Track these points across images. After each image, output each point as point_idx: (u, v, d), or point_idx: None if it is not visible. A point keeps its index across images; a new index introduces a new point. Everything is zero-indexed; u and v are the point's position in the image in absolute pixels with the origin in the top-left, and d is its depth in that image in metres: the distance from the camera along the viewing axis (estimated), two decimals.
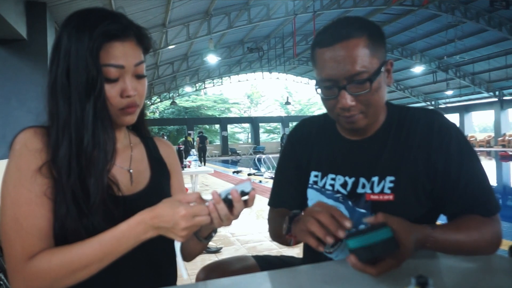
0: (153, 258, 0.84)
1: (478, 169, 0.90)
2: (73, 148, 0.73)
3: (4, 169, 0.73)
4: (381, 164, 0.93)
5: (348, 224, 0.73)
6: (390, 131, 0.96)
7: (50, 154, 0.74)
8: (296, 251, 3.15)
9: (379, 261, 0.69)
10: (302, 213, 0.86)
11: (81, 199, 0.72)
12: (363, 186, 0.94)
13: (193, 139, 20.27)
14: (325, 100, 0.91)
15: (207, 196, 0.75)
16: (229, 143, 27.08)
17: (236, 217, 0.75)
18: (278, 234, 1.01)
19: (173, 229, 0.69)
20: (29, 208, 0.71)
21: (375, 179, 0.93)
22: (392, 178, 0.91)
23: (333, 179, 0.99)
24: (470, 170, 0.89)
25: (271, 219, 1.09)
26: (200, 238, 0.87)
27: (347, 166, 0.98)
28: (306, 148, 1.07)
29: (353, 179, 0.96)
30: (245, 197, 0.74)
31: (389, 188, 0.91)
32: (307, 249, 1.08)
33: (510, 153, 15.24)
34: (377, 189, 0.92)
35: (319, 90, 0.91)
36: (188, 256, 0.95)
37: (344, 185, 0.97)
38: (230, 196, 0.72)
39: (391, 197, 0.90)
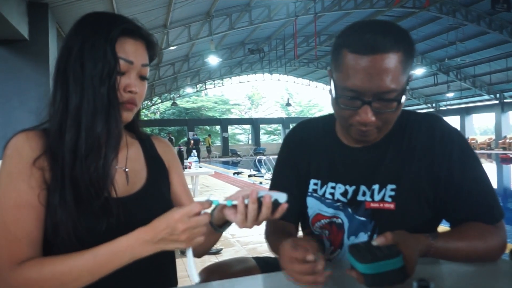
0: (153, 259, 0.83)
1: (481, 176, 0.88)
2: (82, 133, 0.73)
3: None
4: (382, 172, 0.91)
5: (320, 266, 0.68)
6: (391, 138, 0.93)
7: (45, 153, 0.74)
8: None
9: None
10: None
11: (84, 185, 0.72)
12: (364, 194, 0.92)
13: (203, 141, 20.79)
14: (341, 108, 0.84)
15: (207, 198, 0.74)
16: (229, 144, 27.07)
17: (260, 223, 0.71)
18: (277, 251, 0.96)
19: (172, 235, 0.67)
20: (18, 212, 0.70)
21: (376, 187, 0.91)
22: (393, 186, 0.89)
23: (333, 187, 0.97)
24: (473, 177, 0.87)
25: (271, 234, 1.01)
26: (215, 227, 0.83)
27: (348, 175, 0.96)
28: (304, 155, 1.03)
29: (353, 187, 0.94)
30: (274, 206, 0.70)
31: (390, 196, 0.89)
32: None
33: (511, 155, 15.21)
34: (377, 197, 0.90)
35: (339, 100, 0.83)
36: (201, 250, 0.91)
37: (344, 193, 0.95)
38: (261, 199, 0.69)
39: (392, 205, 0.89)
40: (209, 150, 21.64)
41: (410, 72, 0.83)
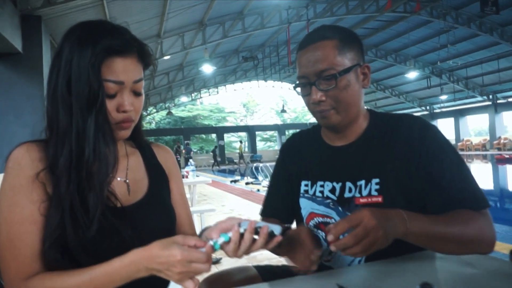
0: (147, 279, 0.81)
1: (460, 166, 0.91)
2: (73, 159, 0.72)
3: None
4: (366, 167, 0.96)
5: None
6: (373, 136, 1.00)
7: (46, 165, 0.73)
8: None
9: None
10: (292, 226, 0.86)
11: (79, 211, 0.71)
12: (350, 190, 0.97)
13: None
14: (303, 97, 1.00)
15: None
16: (225, 152, 27.03)
17: (251, 252, 0.72)
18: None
19: (167, 271, 0.65)
20: (22, 227, 0.70)
21: (362, 182, 0.95)
22: (377, 180, 0.94)
23: (322, 185, 1.02)
24: (452, 167, 0.91)
25: None
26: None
27: (333, 172, 1.01)
28: (295, 160, 1.11)
29: (340, 184, 0.99)
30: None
31: (376, 190, 0.93)
32: None
33: (506, 156, 15.31)
34: (364, 192, 0.94)
35: (298, 89, 1.01)
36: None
37: (332, 190, 1.00)
38: (259, 229, 0.71)
39: (379, 198, 0.92)
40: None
41: (359, 58, 0.96)
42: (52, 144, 0.74)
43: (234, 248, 0.70)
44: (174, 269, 0.64)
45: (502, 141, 19.93)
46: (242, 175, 11.65)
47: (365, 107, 1.04)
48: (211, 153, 23.31)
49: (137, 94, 0.79)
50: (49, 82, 0.75)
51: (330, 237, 0.72)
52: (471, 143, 22.04)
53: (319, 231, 1.02)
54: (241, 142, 25.69)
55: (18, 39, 5.67)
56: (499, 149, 19.45)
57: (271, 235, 0.71)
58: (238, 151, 24.85)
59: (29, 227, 0.71)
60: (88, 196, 0.72)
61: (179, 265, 0.64)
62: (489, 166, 13.77)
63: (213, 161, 22.11)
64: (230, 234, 0.70)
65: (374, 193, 0.93)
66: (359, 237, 0.69)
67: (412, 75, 18.83)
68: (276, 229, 0.71)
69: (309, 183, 1.05)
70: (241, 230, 0.70)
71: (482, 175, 10.93)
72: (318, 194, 1.02)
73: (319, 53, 0.93)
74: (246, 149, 29.17)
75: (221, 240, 0.70)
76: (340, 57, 0.92)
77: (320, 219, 1.01)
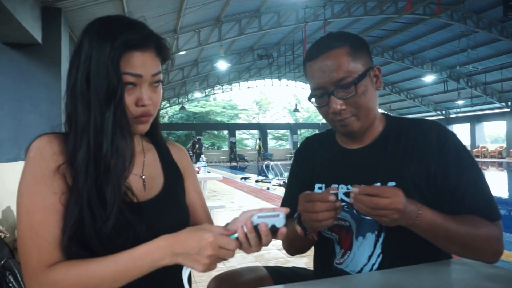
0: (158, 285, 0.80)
1: (477, 176, 0.91)
2: (91, 153, 0.72)
3: (20, 177, 0.73)
4: (382, 170, 0.96)
5: (338, 203, 0.84)
6: (388, 139, 0.99)
7: (66, 159, 0.73)
8: (305, 261, 3.12)
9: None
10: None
11: (96, 205, 0.71)
12: None
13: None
14: (319, 108, 0.99)
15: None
16: (237, 149, 27.10)
17: (266, 245, 0.72)
18: (291, 241, 1.04)
19: (197, 255, 0.66)
20: (44, 216, 0.71)
21: (377, 185, 0.93)
22: (393, 183, 0.93)
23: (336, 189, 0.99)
24: (469, 176, 0.91)
25: (284, 241, 1.08)
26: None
27: (348, 175, 1.00)
28: (309, 163, 1.11)
29: None
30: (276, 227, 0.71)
31: None
32: (317, 261, 1.07)
33: None
34: None
35: (313, 100, 0.99)
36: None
37: (347, 194, 0.96)
38: (258, 227, 0.70)
39: None
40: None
41: (370, 61, 0.97)
42: (71, 138, 0.74)
43: (245, 247, 0.70)
44: (205, 252, 0.65)
45: None
46: (260, 173, 11.62)
47: (380, 110, 1.03)
48: (229, 150, 23.94)
49: (156, 84, 0.79)
50: (68, 78, 0.76)
51: (355, 189, 0.80)
52: (487, 150, 21.60)
53: (333, 234, 1.01)
54: (259, 139, 26.03)
55: (38, 31, 5.76)
56: None
57: (273, 229, 0.70)
58: (249, 147, 25.14)
59: (50, 216, 0.71)
60: (106, 191, 0.72)
61: (210, 248, 0.65)
62: (504, 174, 13.47)
63: (225, 158, 22.35)
64: (236, 235, 0.70)
65: None
66: (378, 206, 0.77)
67: (429, 78, 18.52)
68: (278, 222, 0.70)
69: (323, 186, 1.04)
70: (245, 229, 0.69)
71: (497, 182, 10.71)
72: None
73: (332, 62, 0.92)
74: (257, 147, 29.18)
75: (235, 234, 0.70)
76: (354, 64, 0.92)
77: (335, 222, 0.99)
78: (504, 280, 0.81)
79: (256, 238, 0.69)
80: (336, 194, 0.83)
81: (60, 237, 0.71)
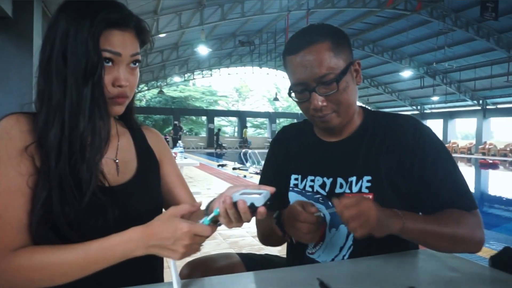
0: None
1: (452, 168, 0.93)
2: (65, 132, 0.70)
3: None
4: (358, 164, 0.96)
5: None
6: (365, 133, 0.99)
7: (35, 139, 0.71)
8: (278, 249, 3.16)
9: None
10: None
11: (69, 185, 0.69)
12: (341, 186, 0.97)
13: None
14: (299, 103, 0.97)
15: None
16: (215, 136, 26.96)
17: (247, 221, 0.71)
18: (266, 237, 1.06)
19: (173, 245, 0.65)
20: (8, 198, 0.68)
21: (353, 179, 0.95)
22: (369, 177, 0.94)
23: (312, 180, 1.02)
24: (445, 168, 0.92)
25: (258, 223, 1.09)
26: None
27: (325, 167, 1.01)
28: (285, 153, 1.10)
29: (330, 179, 0.99)
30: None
31: (367, 187, 0.93)
32: (290, 249, 1.09)
33: (490, 161, 15.63)
34: (355, 189, 0.94)
35: (293, 95, 0.96)
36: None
37: (322, 185, 0.99)
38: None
39: (370, 196, 0.92)
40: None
41: (351, 56, 0.94)
42: (42, 117, 0.71)
43: (225, 221, 0.70)
44: (181, 242, 0.65)
45: (487, 146, 20.31)
46: (246, 160, 11.55)
47: (358, 103, 1.04)
48: (214, 136, 23.91)
49: (134, 65, 0.77)
50: (42, 54, 0.73)
51: (336, 201, 0.78)
52: (457, 145, 22.40)
53: None
54: (246, 127, 26.20)
55: (9, 3, 5.47)
56: (483, 153, 19.83)
57: (252, 207, 0.69)
58: (228, 134, 25.09)
59: (16, 198, 0.68)
60: (81, 169, 0.70)
61: (186, 237, 0.65)
62: (472, 170, 14.05)
63: (203, 144, 22.21)
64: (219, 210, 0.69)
65: (364, 190, 0.93)
66: (353, 214, 0.75)
67: (407, 74, 18.91)
68: (258, 201, 0.68)
69: (299, 177, 1.04)
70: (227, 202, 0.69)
71: (466, 178, 11.12)
72: (308, 188, 1.02)
73: (314, 57, 0.89)
74: (236, 134, 29.14)
75: (211, 216, 0.69)
76: (336, 59, 0.90)
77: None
78: (465, 271, 0.84)
79: (235, 214, 0.68)
80: (323, 216, 0.84)
81: (26, 221, 0.69)
